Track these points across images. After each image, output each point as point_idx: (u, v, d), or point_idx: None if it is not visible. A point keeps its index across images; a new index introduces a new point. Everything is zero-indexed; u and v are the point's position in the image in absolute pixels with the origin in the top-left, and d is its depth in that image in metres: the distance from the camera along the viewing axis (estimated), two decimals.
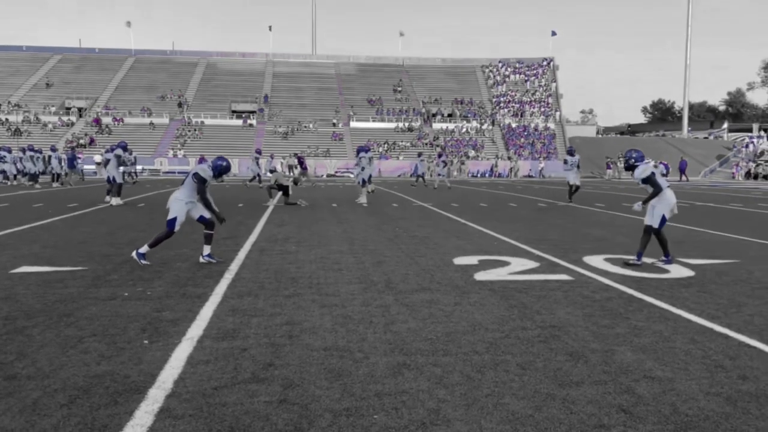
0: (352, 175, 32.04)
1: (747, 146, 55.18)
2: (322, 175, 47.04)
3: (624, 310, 5.27)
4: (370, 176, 18.45)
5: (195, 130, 53.49)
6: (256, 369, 3.76)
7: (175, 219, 7.19)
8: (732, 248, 9.06)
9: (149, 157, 47.44)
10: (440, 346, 4.27)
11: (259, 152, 28.70)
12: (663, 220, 7.39)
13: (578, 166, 18.90)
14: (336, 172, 48.36)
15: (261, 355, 4.01)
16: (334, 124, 56.08)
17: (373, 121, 56.97)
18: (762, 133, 61.89)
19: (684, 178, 43.45)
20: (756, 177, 46.14)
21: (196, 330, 4.59)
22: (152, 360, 3.90)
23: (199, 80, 61.97)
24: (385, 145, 52.37)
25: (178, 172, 46.74)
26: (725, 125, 72.98)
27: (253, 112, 57.11)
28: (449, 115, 58.38)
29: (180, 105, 56.89)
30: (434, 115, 58.11)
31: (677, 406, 3.25)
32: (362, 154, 18.03)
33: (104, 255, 7.95)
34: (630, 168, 7.54)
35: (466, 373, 3.73)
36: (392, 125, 56.33)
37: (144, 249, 7.22)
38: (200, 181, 7.21)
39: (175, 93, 58.56)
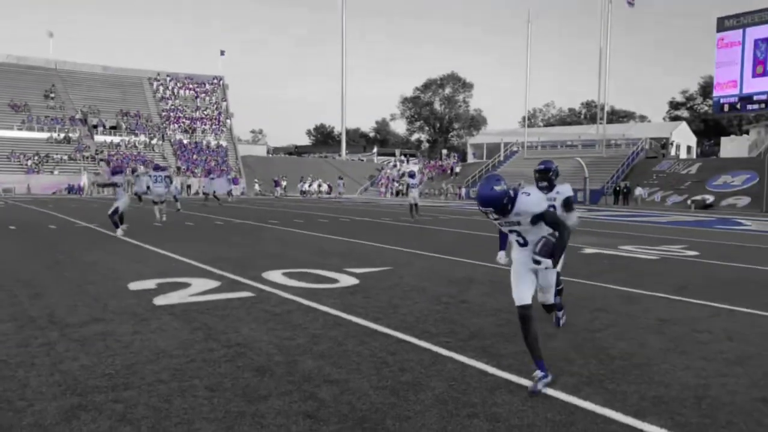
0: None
1: (393, 167, 64.01)
2: None
3: (303, 321, 5.65)
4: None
5: None
6: None
7: None
8: (386, 257, 10.44)
9: None
10: (120, 380, 3.97)
11: None
12: None
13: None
14: None
15: None
16: None
17: (19, 129, 49.37)
18: (402, 157, 72.57)
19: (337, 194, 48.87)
20: (398, 194, 53.77)
21: None
22: None
23: None
24: (36, 158, 45.87)
25: None
26: (375, 150, 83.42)
27: None
28: (113, 127, 54.10)
29: None
30: (95, 126, 53.16)
31: (353, 403, 3.64)
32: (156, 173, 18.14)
33: None
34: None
35: (152, 405, 3.55)
36: (44, 135, 49.63)
37: None
38: None
39: None
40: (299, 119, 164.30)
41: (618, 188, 41.01)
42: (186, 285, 7.33)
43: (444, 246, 12.16)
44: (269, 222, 18.52)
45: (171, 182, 19.09)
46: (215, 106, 62.25)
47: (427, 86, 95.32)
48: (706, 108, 73.20)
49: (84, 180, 43.54)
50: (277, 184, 49.86)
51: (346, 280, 7.87)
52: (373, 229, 16.70)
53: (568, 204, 5.84)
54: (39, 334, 5.02)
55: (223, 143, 57.71)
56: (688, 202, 36.90)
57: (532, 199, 4.08)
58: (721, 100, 42.36)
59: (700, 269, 9.76)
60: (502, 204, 4.00)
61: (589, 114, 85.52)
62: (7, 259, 9.39)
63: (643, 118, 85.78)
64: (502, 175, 4.18)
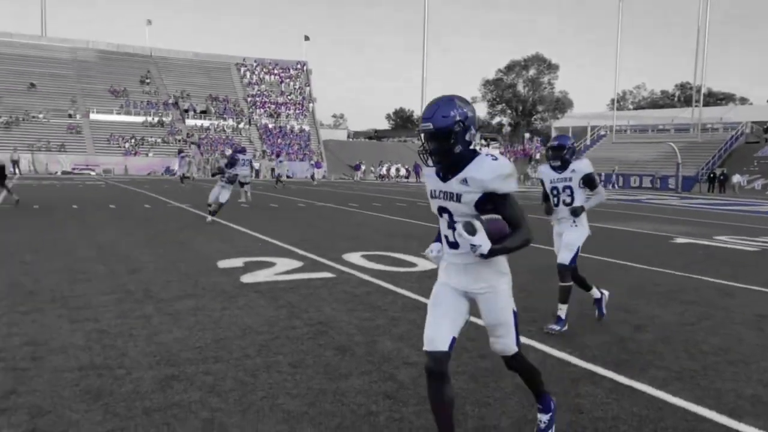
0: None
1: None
2: (56, 172, 41.88)
3: (382, 303, 5.71)
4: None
5: None
6: None
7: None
8: None
9: None
10: (210, 353, 4.16)
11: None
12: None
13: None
14: (73, 168, 43.40)
15: None
16: (70, 116, 50.22)
17: (118, 113, 52.42)
18: (483, 141, 71.51)
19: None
20: None
21: None
22: None
23: None
24: (132, 141, 48.60)
25: None
26: None
27: None
28: (203, 112, 56.40)
29: None
30: (186, 111, 55.63)
31: None
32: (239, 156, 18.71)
33: None
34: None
35: (239, 378, 3.71)
36: (140, 119, 52.47)
37: None
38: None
39: None
40: (379, 103, 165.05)
41: (713, 175, 38.69)
42: (271, 264, 7.57)
43: None
44: (349, 205, 18.79)
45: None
46: (299, 91, 63.55)
47: (511, 68, 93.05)
48: None
49: (175, 166, 45.72)
50: (357, 168, 50.39)
51: (424, 264, 7.86)
52: None
53: (590, 181, 5.11)
54: (136, 307, 5.35)
55: (306, 128, 58.90)
56: None
57: (497, 166, 2.57)
58: None
59: None
60: (448, 130, 2.53)
61: (684, 96, 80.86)
62: (108, 236, 10.02)
63: (743, 101, 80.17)
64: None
